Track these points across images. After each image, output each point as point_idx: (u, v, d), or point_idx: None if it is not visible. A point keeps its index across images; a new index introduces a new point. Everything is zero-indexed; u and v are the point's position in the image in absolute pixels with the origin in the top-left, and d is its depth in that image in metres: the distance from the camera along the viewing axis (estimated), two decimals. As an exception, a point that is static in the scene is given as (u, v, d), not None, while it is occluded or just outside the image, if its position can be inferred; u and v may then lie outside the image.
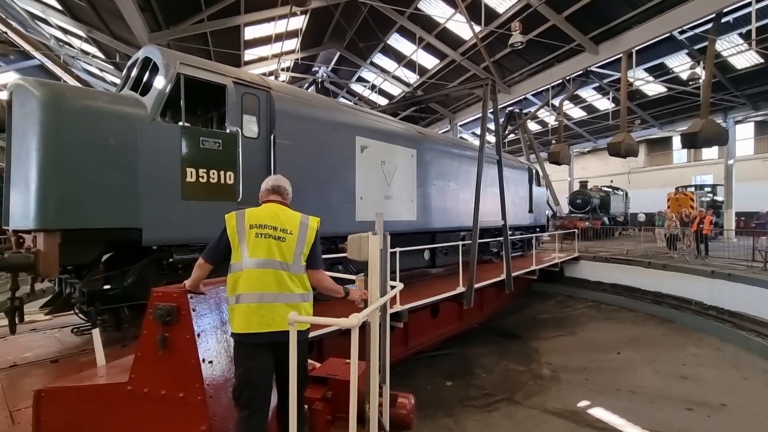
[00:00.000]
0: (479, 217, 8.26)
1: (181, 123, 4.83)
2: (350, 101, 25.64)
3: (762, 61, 15.70)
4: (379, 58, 21.22)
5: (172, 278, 4.83)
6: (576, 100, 22.83)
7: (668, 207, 21.51)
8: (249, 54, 17.85)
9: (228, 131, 5.16)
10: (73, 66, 15.75)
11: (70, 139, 3.97)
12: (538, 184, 15.06)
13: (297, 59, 20.70)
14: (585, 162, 35.43)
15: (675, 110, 21.60)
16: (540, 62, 16.96)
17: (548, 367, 8.65)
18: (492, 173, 9.28)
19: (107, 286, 4.60)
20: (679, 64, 17.44)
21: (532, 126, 25.86)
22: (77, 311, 5.19)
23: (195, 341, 2.29)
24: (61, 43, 16.75)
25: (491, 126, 9.13)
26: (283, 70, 19.92)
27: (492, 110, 8.80)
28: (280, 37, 16.05)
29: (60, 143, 3.91)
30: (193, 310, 2.35)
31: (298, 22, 16.35)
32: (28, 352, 4.54)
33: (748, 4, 11.77)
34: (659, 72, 18.37)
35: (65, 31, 15.90)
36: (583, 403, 6.95)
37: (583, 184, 25.17)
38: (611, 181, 29.25)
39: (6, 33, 12.69)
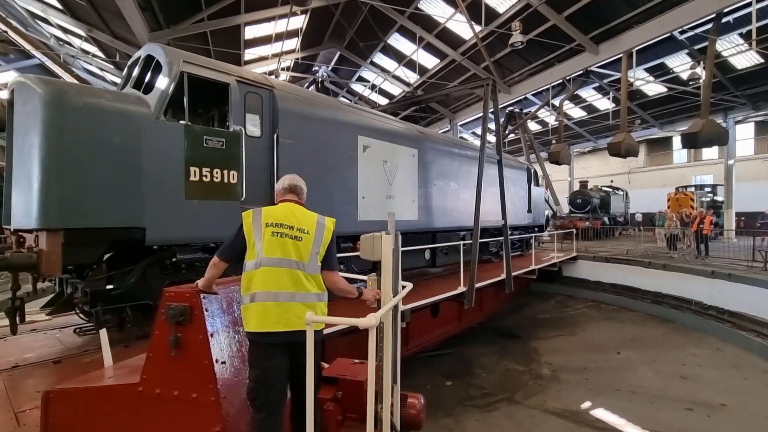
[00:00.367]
0: (479, 217, 8.26)
1: (184, 122, 4.79)
2: (350, 101, 25.62)
3: (762, 61, 15.69)
4: (380, 58, 21.22)
5: (175, 278, 4.83)
6: (576, 100, 22.83)
7: (668, 207, 21.52)
8: (249, 53, 17.84)
9: (231, 130, 5.13)
10: (73, 65, 15.73)
11: (73, 137, 3.92)
12: (537, 184, 15.09)
13: (297, 59, 20.70)
14: (585, 162, 35.43)
15: (675, 110, 21.60)
16: (540, 62, 16.96)
17: (548, 367, 8.65)
18: (492, 173, 9.28)
19: (110, 286, 4.56)
20: (680, 64, 17.43)
21: (533, 126, 25.85)
22: (78, 311, 5.16)
23: (208, 341, 2.26)
24: (61, 43, 16.73)
25: (492, 126, 9.13)
26: (283, 69, 19.91)
27: (492, 110, 8.79)
28: (280, 37, 16.03)
29: (63, 141, 3.87)
30: (206, 310, 2.32)
31: (299, 21, 16.34)
32: (30, 352, 4.49)
33: (749, 4, 11.76)
34: (659, 72, 18.36)
35: (65, 31, 15.89)
36: (582, 403, 6.95)
37: (583, 184, 25.18)
38: (611, 181, 29.25)
39: (6, 32, 12.68)
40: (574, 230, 16.02)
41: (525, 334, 10.94)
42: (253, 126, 5.41)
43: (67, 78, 13.65)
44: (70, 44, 16.97)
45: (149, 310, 4.81)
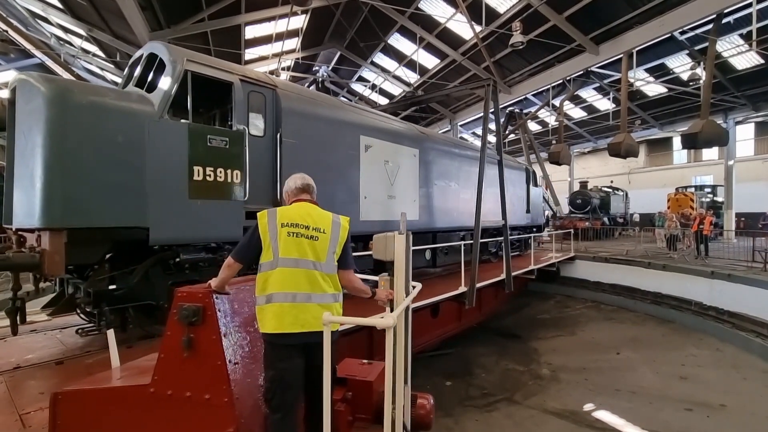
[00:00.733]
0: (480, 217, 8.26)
1: (186, 121, 4.75)
2: (350, 101, 25.63)
3: (762, 61, 15.70)
4: (380, 58, 21.22)
5: (178, 278, 4.81)
6: (576, 100, 22.83)
7: (668, 207, 21.52)
8: (249, 53, 17.84)
9: (234, 129, 5.10)
10: (73, 65, 15.73)
11: (76, 136, 3.88)
12: (535, 185, 15.15)
13: (297, 59, 20.71)
14: (585, 162, 35.43)
15: (675, 111, 21.60)
16: (540, 62, 16.97)
17: (548, 367, 8.66)
18: (492, 173, 9.29)
19: (112, 287, 4.52)
20: (680, 64, 17.44)
21: (533, 126, 25.87)
22: (79, 312, 5.12)
23: (221, 342, 2.24)
24: (61, 42, 16.73)
25: (492, 126, 9.14)
26: (283, 69, 19.91)
27: (493, 110, 8.80)
28: (280, 37, 16.03)
29: (67, 140, 3.83)
30: (218, 311, 2.30)
31: (299, 21, 16.35)
32: (30, 353, 4.44)
33: (749, 5, 11.77)
34: (660, 72, 18.37)
35: (66, 30, 15.89)
36: (582, 403, 6.95)
37: (584, 184, 25.16)
38: (611, 182, 29.25)
39: (6, 31, 12.68)
40: (572, 230, 16.01)
41: (525, 334, 10.94)
42: (256, 125, 5.38)
43: (68, 77, 13.66)
44: (70, 44, 16.97)
45: (152, 310, 4.80)
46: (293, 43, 18.30)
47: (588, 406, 6.84)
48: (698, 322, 10.43)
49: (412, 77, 20.61)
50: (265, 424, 2.35)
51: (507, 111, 20.23)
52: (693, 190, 23.86)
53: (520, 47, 12.36)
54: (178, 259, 4.70)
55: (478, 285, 8.21)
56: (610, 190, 26.16)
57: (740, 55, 16.10)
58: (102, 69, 19.04)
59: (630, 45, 13.83)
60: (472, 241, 8.39)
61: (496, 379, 8.23)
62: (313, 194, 2.57)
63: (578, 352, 9.53)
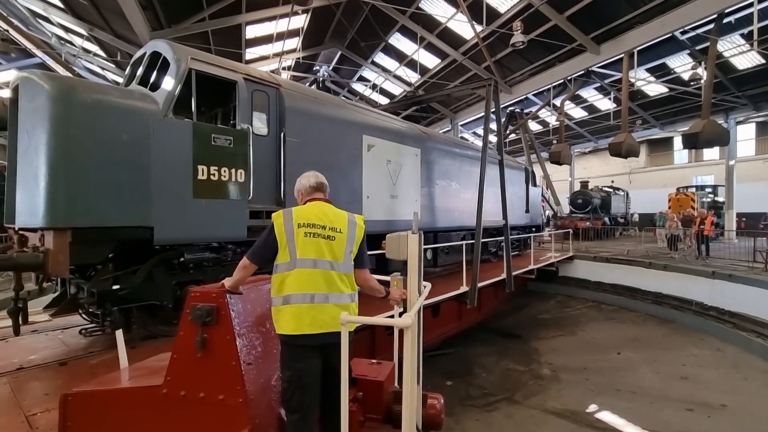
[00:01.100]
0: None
1: (191, 119, 4.72)
2: (351, 100, 25.60)
3: (763, 61, 15.67)
4: (381, 58, 21.21)
5: (182, 278, 4.80)
6: (577, 100, 22.80)
7: (669, 207, 21.51)
8: (250, 53, 17.84)
9: (239, 128, 5.08)
10: (74, 64, 15.76)
11: (81, 134, 3.84)
12: (534, 185, 15.18)
13: (298, 58, 20.68)
14: (586, 162, 35.41)
15: (676, 111, 21.57)
16: (541, 62, 16.94)
17: (548, 367, 8.65)
18: (492, 173, 9.29)
19: (116, 287, 4.49)
20: (681, 64, 17.42)
21: (533, 126, 25.84)
22: (82, 312, 5.08)
23: (235, 342, 2.22)
24: (62, 42, 16.73)
25: (493, 126, 9.13)
26: (284, 69, 19.90)
27: (494, 110, 8.79)
28: (281, 36, 16.02)
29: (71, 138, 3.79)
30: (232, 311, 2.28)
31: (300, 21, 16.32)
32: (33, 354, 4.40)
33: (750, 5, 11.74)
34: (661, 72, 18.34)
35: (67, 30, 15.88)
36: (583, 403, 6.95)
37: (584, 184, 25.15)
38: (612, 182, 29.21)
39: (7, 31, 12.70)
40: (570, 230, 16.02)
41: (525, 334, 10.94)
42: (260, 124, 5.37)
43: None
44: (71, 43, 16.97)
45: (155, 310, 4.78)
46: (294, 42, 18.28)
47: (588, 406, 6.84)
48: (699, 322, 10.42)
49: (413, 77, 20.60)
50: (278, 425, 2.33)
51: (508, 111, 20.21)
52: (694, 190, 23.84)
53: (521, 47, 12.35)
54: (182, 259, 4.68)
55: (480, 285, 8.22)
56: (610, 190, 26.15)
57: (741, 55, 16.06)
58: (103, 68, 19.05)
59: (631, 45, 13.81)
60: (473, 241, 8.39)
61: (497, 379, 8.23)
62: (327, 192, 2.56)
63: (579, 352, 9.53)
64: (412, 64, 19.51)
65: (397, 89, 23.58)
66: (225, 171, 4.86)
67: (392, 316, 2.62)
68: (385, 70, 21.97)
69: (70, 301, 5.00)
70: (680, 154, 30.92)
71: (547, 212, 23.13)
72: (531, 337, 10.70)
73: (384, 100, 23.33)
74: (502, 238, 9.61)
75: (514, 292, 10.73)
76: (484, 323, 11.01)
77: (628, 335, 10.36)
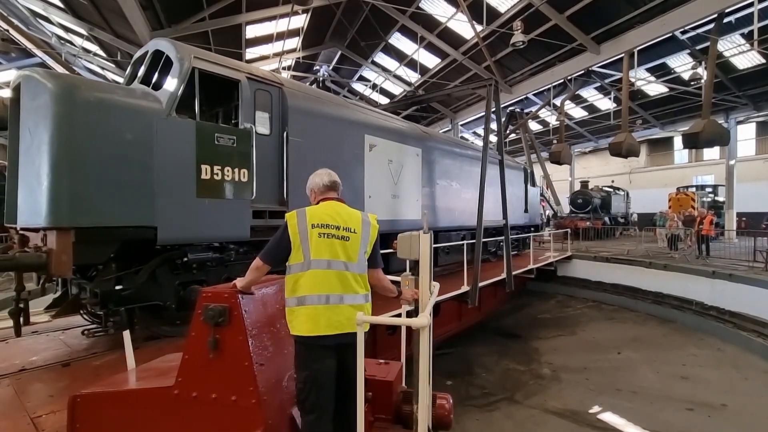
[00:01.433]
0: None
1: (194, 119, 4.70)
2: (352, 100, 25.59)
3: (764, 61, 15.68)
4: (381, 57, 21.21)
5: (185, 278, 4.79)
6: (577, 99, 22.80)
7: (669, 207, 21.51)
8: (250, 53, 17.83)
9: (242, 128, 5.06)
10: (74, 64, 15.76)
11: (84, 133, 3.81)
12: (533, 184, 15.21)
13: (298, 58, 20.66)
14: (586, 162, 35.41)
15: (676, 110, 21.58)
16: (541, 62, 16.94)
17: (548, 366, 8.66)
18: (492, 173, 9.29)
19: (119, 287, 4.46)
20: (681, 64, 17.42)
21: (534, 126, 25.83)
22: (84, 313, 5.05)
23: (248, 343, 2.20)
24: (62, 41, 16.73)
25: (493, 126, 9.13)
26: (284, 69, 19.90)
27: (494, 110, 8.79)
28: (281, 36, 16.02)
29: (74, 137, 3.76)
30: (245, 311, 2.27)
31: (300, 20, 16.32)
32: (35, 355, 4.36)
33: (750, 5, 11.75)
34: (661, 72, 18.34)
35: (67, 29, 15.88)
36: (583, 403, 6.95)
37: (584, 184, 25.16)
38: (612, 181, 29.22)
39: (8, 31, 12.69)
40: (569, 230, 16.06)
41: (525, 333, 10.95)
42: (262, 124, 5.35)
43: (69, 77, 13.65)
44: (71, 43, 16.97)
45: (158, 310, 4.77)
46: (294, 42, 18.27)
47: (589, 406, 6.84)
48: (699, 322, 10.43)
49: (413, 77, 20.59)
50: (290, 426, 2.33)
51: (508, 110, 20.20)
52: (694, 189, 23.85)
53: (521, 47, 12.34)
54: (185, 259, 4.66)
55: (481, 284, 8.22)
56: (611, 189, 26.16)
57: (741, 55, 16.07)
58: (103, 68, 19.04)
59: (631, 44, 13.81)
60: (473, 241, 8.39)
61: (497, 379, 8.23)
62: (340, 191, 2.54)
63: (579, 351, 9.53)
64: (412, 64, 19.50)
65: (397, 89, 23.57)
66: (228, 170, 4.84)
67: (398, 315, 2.62)
68: (385, 69, 21.96)
69: (71, 302, 4.96)
70: (680, 153, 30.92)
71: (548, 212, 23.14)
72: (531, 336, 10.71)
73: (384, 100, 23.32)
74: (502, 237, 9.61)
75: (514, 292, 10.74)
76: (484, 323, 11.01)
77: (628, 335, 10.36)
